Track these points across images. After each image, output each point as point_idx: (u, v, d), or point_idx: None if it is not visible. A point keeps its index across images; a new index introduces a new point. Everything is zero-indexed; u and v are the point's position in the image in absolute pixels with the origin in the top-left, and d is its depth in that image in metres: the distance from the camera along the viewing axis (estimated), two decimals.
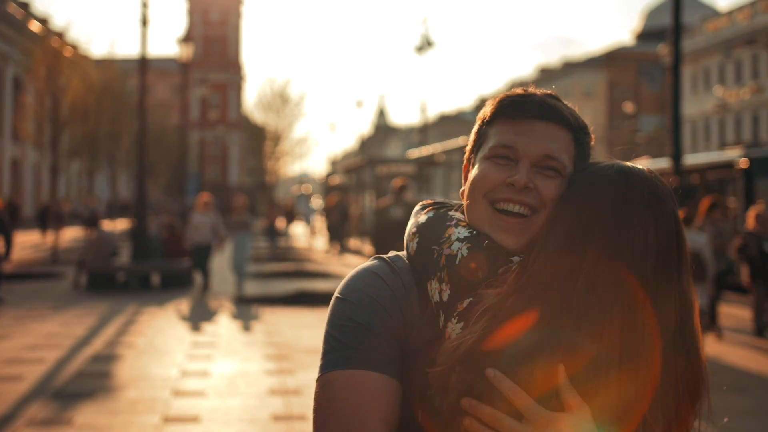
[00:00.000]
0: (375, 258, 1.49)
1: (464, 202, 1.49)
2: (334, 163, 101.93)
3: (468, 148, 1.53)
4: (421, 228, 1.45)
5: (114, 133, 39.06)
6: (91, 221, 17.46)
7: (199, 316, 12.61)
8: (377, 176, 26.97)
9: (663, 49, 52.55)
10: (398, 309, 1.40)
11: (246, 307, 13.60)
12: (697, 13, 57.70)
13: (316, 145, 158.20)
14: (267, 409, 6.97)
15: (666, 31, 46.52)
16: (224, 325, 11.92)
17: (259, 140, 62.09)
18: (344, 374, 1.35)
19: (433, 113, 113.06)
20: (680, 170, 13.39)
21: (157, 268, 16.87)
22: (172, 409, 6.91)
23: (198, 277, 16.25)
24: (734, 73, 50.16)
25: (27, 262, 22.43)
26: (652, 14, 70.65)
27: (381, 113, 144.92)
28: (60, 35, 35.57)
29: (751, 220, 11.18)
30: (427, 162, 27.92)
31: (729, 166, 17.07)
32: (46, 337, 10.36)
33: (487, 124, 1.49)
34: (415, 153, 34.39)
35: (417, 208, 1.53)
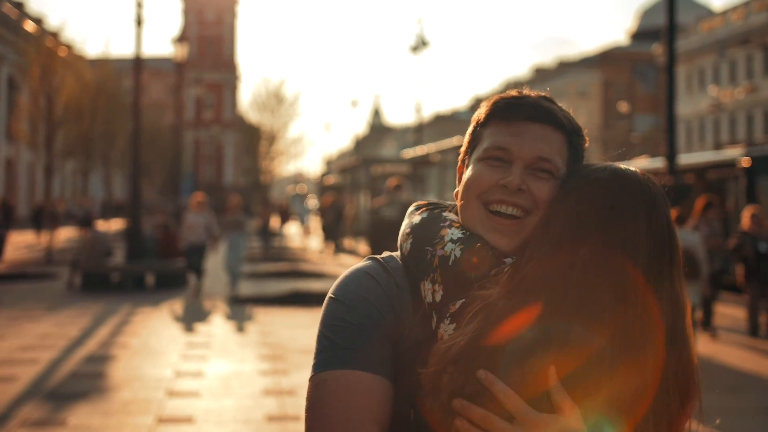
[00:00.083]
0: (368, 258, 1.49)
1: (458, 203, 1.49)
2: (329, 163, 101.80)
3: (462, 149, 1.54)
4: (414, 229, 1.46)
5: (109, 133, 39.01)
6: (85, 221, 17.39)
7: (193, 317, 12.59)
8: (372, 176, 27.00)
9: (657, 49, 52.72)
10: (391, 309, 1.40)
11: (240, 308, 13.58)
12: (692, 13, 57.92)
13: (311, 145, 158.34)
14: (261, 410, 6.96)
15: (660, 30, 46.47)
16: (218, 325, 11.90)
17: (254, 140, 61.95)
18: (336, 374, 1.35)
19: (428, 113, 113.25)
20: (675, 170, 13.40)
21: (152, 268, 16.84)
22: (166, 410, 6.90)
23: (192, 278, 16.23)
24: (729, 73, 50.32)
25: (21, 262, 22.40)
26: (647, 14, 70.77)
27: (376, 113, 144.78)
28: (55, 35, 35.58)
29: (746, 220, 11.21)
30: (422, 162, 27.94)
31: (731, 165, 17.06)
32: (40, 338, 10.34)
33: (481, 125, 1.50)
34: (410, 153, 34.40)
35: (411, 208, 1.54)
